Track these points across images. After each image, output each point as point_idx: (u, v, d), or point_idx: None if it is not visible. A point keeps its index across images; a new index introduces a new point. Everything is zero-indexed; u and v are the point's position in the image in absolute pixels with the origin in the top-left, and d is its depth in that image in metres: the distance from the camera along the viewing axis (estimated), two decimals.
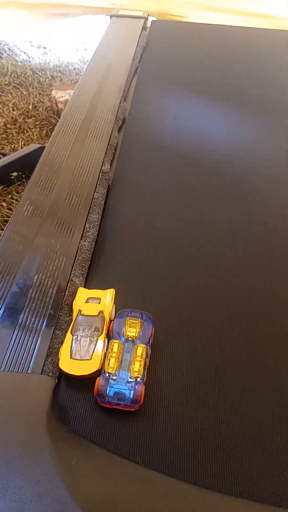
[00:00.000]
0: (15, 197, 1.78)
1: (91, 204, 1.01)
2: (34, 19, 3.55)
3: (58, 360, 0.68)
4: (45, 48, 3.45)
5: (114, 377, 0.65)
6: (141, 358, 0.68)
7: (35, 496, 0.50)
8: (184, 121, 1.45)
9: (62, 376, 0.68)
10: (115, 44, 1.97)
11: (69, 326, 0.73)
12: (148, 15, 2.33)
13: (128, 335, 0.71)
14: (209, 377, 0.71)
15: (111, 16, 2.31)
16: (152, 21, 2.35)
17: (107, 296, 0.78)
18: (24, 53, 3.32)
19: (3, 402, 0.61)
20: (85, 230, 0.94)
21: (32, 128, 2.30)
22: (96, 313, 0.74)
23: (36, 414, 0.59)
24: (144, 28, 2.18)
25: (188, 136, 1.37)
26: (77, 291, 0.79)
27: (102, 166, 1.14)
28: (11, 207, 1.73)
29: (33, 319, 0.75)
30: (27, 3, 3.39)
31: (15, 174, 1.82)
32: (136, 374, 0.65)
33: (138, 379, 0.65)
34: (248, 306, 0.83)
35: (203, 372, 0.71)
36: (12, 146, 2.15)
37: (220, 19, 3.22)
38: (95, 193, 1.04)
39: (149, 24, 2.29)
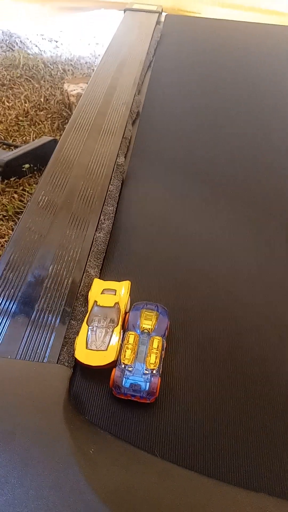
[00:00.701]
0: (26, 189, 1.78)
1: (106, 196, 1.01)
2: (47, 12, 3.55)
3: (73, 350, 0.68)
4: (57, 41, 3.45)
5: (130, 369, 0.65)
6: (157, 350, 0.67)
7: (53, 484, 0.50)
8: (197, 114, 1.44)
9: (78, 367, 0.68)
10: (129, 38, 1.96)
11: (85, 316, 0.73)
12: (162, 9, 2.32)
13: (143, 327, 0.71)
14: (226, 370, 0.70)
15: (125, 10, 2.31)
16: (166, 15, 2.34)
17: (123, 288, 0.77)
18: (36, 46, 3.31)
19: (20, 390, 0.61)
20: (100, 222, 0.93)
21: (43, 121, 2.30)
22: (112, 305, 0.74)
23: (53, 403, 0.59)
24: (158, 22, 2.17)
25: (202, 128, 1.36)
26: (92, 282, 0.79)
27: (116, 158, 1.13)
28: (22, 198, 1.73)
29: (48, 309, 0.75)
30: None
31: (27, 166, 1.82)
32: (152, 366, 0.65)
33: (154, 371, 0.65)
34: (264, 297, 0.83)
35: (220, 365, 0.71)
36: (24, 138, 2.15)
37: (232, 15, 3.20)
38: (110, 186, 1.04)
39: (163, 18, 2.28)
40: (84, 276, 0.81)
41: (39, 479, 0.50)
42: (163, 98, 1.52)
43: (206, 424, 0.63)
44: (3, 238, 1.56)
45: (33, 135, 2.17)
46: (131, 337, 0.69)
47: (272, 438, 0.62)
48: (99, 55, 3.20)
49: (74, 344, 0.69)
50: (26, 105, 2.42)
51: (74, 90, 2.33)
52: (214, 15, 3.19)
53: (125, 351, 0.67)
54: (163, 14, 2.36)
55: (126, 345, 0.68)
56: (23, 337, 0.70)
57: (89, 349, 0.68)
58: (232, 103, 1.53)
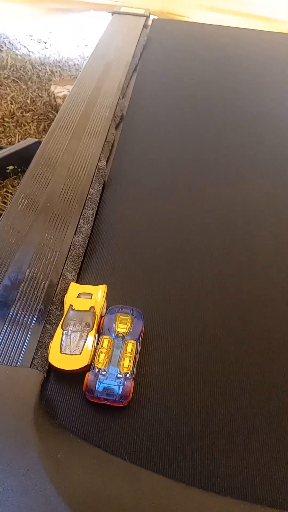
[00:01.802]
0: (10, 191, 1.77)
1: (86, 200, 1.01)
2: (35, 13, 3.54)
3: (47, 354, 0.68)
4: (45, 42, 3.44)
5: (104, 373, 0.65)
6: (131, 354, 0.68)
7: (19, 488, 0.50)
8: (181, 120, 1.45)
9: (52, 371, 0.68)
10: (116, 41, 1.97)
11: (60, 320, 0.73)
12: (149, 14, 2.33)
13: (118, 331, 0.71)
14: (199, 374, 0.71)
15: (112, 13, 2.31)
16: (154, 19, 2.35)
17: (99, 292, 0.78)
18: (24, 47, 3.30)
19: None
20: (79, 226, 0.94)
21: (29, 122, 2.29)
22: (87, 309, 0.74)
23: (24, 407, 0.59)
24: (145, 26, 2.18)
25: (185, 135, 1.37)
26: (69, 286, 0.79)
27: (98, 162, 1.14)
28: (6, 200, 1.73)
29: (23, 312, 0.75)
30: None
31: (10, 167, 1.81)
32: (125, 370, 0.65)
33: (128, 375, 0.65)
34: (240, 305, 0.84)
35: (192, 368, 0.71)
36: (9, 139, 2.14)
37: (221, 20, 3.22)
38: (90, 189, 1.04)
39: (150, 22, 2.29)
40: (60, 280, 0.81)
41: (6, 483, 0.50)
42: (147, 103, 1.53)
43: (176, 428, 0.63)
44: None
45: (18, 136, 2.16)
46: (105, 341, 0.69)
47: (242, 441, 0.63)
48: (87, 57, 3.20)
49: (48, 348, 0.69)
50: (12, 106, 2.41)
51: (61, 92, 2.33)
52: (202, 19, 3.21)
53: (99, 355, 0.67)
54: (151, 18, 2.37)
55: (100, 349, 0.68)
56: None
57: (63, 353, 0.68)
58: (217, 108, 1.54)
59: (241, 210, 1.08)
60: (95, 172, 1.10)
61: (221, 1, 3.42)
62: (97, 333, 0.72)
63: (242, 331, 0.79)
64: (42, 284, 0.80)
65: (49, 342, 0.70)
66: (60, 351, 0.68)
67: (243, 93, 1.67)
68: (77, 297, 0.76)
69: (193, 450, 0.61)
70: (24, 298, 0.77)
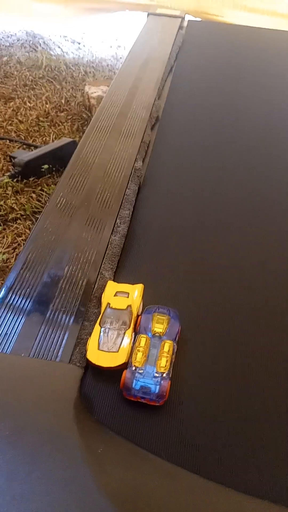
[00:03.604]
0: (44, 189, 1.80)
1: (122, 200, 1.02)
2: (70, 13, 3.59)
3: (85, 351, 0.70)
4: (79, 43, 3.48)
5: (141, 371, 0.66)
6: (167, 354, 0.68)
7: (61, 481, 0.51)
8: (216, 122, 1.44)
9: (89, 367, 0.69)
10: (151, 42, 1.98)
11: (98, 318, 0.74)
12: (185, 15, 2.33)
13: (155, 331, 0.72)
14: (235, 376, 0.71)
15: (148, 14, 2.32)
16: (189, 21, 2.35)
17: (136, 291, 0.79)
18: (59, 47, 3.35)
19: (32, 388, 0.63)
20: (115, 226, 0.95)
21: (63, 122, 2.33)
22: (125, 307, 0.75)
23: (64, 401, 0.60)
24: (180, 27, 2.18)
25: (220, 136, 1.36)
26: (106, 284, 0.81)
27: (134, 163, 1.15)
28: (40, 198, 1.76)
29: (62, 309, 0.76)
30: None
31: (46, 166, 1.84)
32: (162, 370, 0.66)
33: (164, 375, 0.66)
34: (275, 304, 0.83)
35: (229, 370, 0.72)
36: (44, 139, 2.18)
37: (256, 20, 3.20)
38: (127, 190, 1.05)
39: (185, 23, 2.29)
40: (98, 278, 0.82)
41: (47, 476, 0.52)
42: (183, 104, 1.53)
43: (214, 429, 0.63)
44: (20, 237, 1.58)
45: (52, 136, 2.20)
46: (142, 340, 0.70)
47: (284, 447, 0.63)
48: (120, 57, 3.23)
49: (86, 344, 0.71)
50: (47, 106, 2.45)
51: (95, 92, 2.35)
52: (237, 19, 3.20)
53: (136, 354, 0.68)
54: (186, 18, 2.37)
55: (137, 348, 0.69)
56: (37, 336, 0.71)
57: (101, 350, 0.69)
58: (253, 113, 1.52)
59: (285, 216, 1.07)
60: (131, 172, 1.11)
61: (256, 1, 3.38)
62: (133, 331, 0.73)
63: (279, 330, 0.78)
64: (81, 282, 0.81)
65: (87, 339, 0.71)
66: (98, 348, 0.69)
67: (279, 97, 1.65)
68: (114, 296, 0.77)
69: (229, 452, 0.61)
70: (63, 295, 0.78)
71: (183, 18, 2.28)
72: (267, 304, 0.84)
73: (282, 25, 3.18)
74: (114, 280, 0.84)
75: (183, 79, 1.71)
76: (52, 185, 1.82)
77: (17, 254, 1.50)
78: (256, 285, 0.88)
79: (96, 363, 0.68)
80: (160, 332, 0.72)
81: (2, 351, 0.69)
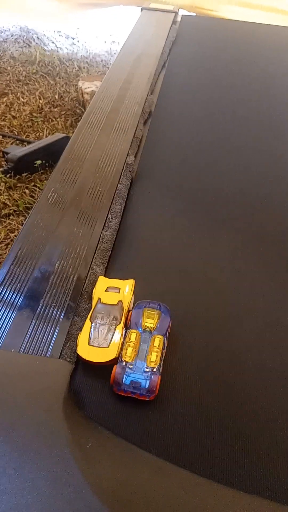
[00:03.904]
0: (37, 185, 1.80)
1: (114, 195, 1.01)
2: (65, 8, 3.56)
3: (76, 346, 0.69)
4: (73, 38, 3.46)
5: (131, 366, 0.66)
6: (158, 349, 0.68)
7: (50, 476, 0.51)
8: (209, 117, 1.44)
9: (80, 362, 0.69)
10: (145, 37, 1.97)
11: (88, 313, 0.74)
12: (178, 10, 2.32)
13: (145, 326, 0.72)
14: (226, 371, 0.71)
15: (141, 9, 2.31)
16: (182, 15, 2.34)
17: (127, 286, 0.78)
18: (53, 42, 3.33)
19: (22, 384, 0.62)
20: (107, 221, 0.94)
21: (57, 118, 2.32)
22: (115, 302, 0.75)
23: (53, 396, 0.60)
24: (174, 22, 2.17)
25: (213, 131, 1.36)
26: (97, 279, 0.80)
27: (126, 158, 1.14)
28: (33, 194, 1.75)
29: (53, 304, 0.76)
30: None
31: (39, 162, 1.83)
32: (152, 365, 0.66)
33: (155, 370, 0.66)
34: (268, 299, 0.83)
35: (219, 365, 0.71)
36: (37, 134, 2.17)
37: (252, 16, 3.18)
38: (119, 184, 1.05)
39: (179, 18, 2.28)
40: (89, 274, 0.82)
41: (36, 471, 0.51)
42: (176, 99, 1.52)
43: (203, 424, 0.63)
44: (13, 233, 1.58)
45: (46, 131, 2.19)
46: (132, 335, 0.70)
47: (270, 441, 0.63)
48: (114, 53, 3.21)
49: (76, 340, 0.70)
50: (40, 101, 2.44)
51: (89, 87, 2.34)
52: (232, 14, 3.18)
53: (127, 349, 0.68)
54: (180, 13, 2.36)
55: (127, 343, 0.69)
56: (27, 332, 0.71)
57: (91, 345, 0.69)
58: (247, 108, 1.52)
59: (279, 213, 1.06)
60: (123, 167, 1.10)
61: None
62: (124, 327, 0.73)
63: (275, 334, 0.78)
64: (71, 277, 0.81)
65: (78, 334, 0.71)
66: (89, 343, 0.69)
67: (273, 92, 1.64)
68: (105, 291, 0.77)
69: (219, 447, 0.61)
70: (54, 291, 0.78)
71: (176, 13, 2.27)
72: (259, 299, 0.84)
73: (277, 20, 3.17)
74: (105, 276, 0.83)
75: (176, 74, 1.70)
76: (45, 181, 1.81)
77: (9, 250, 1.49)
78: (248, 280, 0.88)
79: (86, 359, 0.67)
80: (151, 327, 0.72)
81: None
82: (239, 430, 0.63)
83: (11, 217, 1.64)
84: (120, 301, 0.75)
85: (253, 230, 1.00)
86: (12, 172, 1.81)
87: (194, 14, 3.14)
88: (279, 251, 0.95)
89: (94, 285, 0.80)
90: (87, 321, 0.72)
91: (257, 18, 3.13)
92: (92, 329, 0.71)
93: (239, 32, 2.21)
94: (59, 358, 0.67)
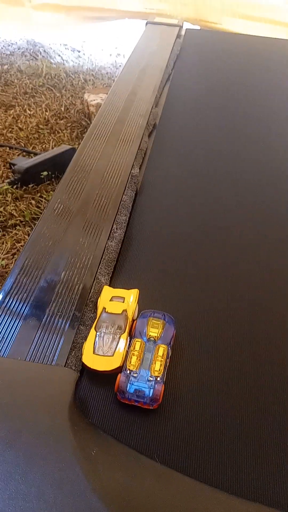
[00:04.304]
0: (44, 196, 1.82)
1: (119, 206, 1.03)
2: (71, 22, 3.63)
3: (81, 355, 0.71)
4: (79, 51, 3.52)
5: (135, 375, 0.67)
6: (162, 358, 0.69)
7: (55, 482, 0.52)
8: (213, 130, 1.46)
9: (85, 371, 0.70)
10: (149, 50, 2.00)
11: (93, 322, 0.75)
12: (183, 23, 2.36)
13: (150, 335, 0.73)
14: (229, 380, 0.72)
15: (146, 23, 2.35)
16: (187, 29, 2.37)
17: (131, 296, 0.80)
18: (59, 55, 3.39)
19: (28, 391, 0.64)
20: (112, 231, 0.96)
21: (63, 130, 2.36)
22: (120, 312, 0.76)
23: (59, 404, 0.61)
24: (178, 36, 2.21)
25: (217, 143, 1.38)
26: (102, 289, 0.82)
27: (131, 169, 1.16)
28: (40, 205, 1.78)
29: (59, 313, 0.77)
30: (65, 5, 3.46)
31: (45, 173, 1.86)
32: (156, 374, 0.67)
33: (158, 379, 0.67)
34: (271, 309, 0.84)
35: (223, 375, 0.72)
36: (43, 146, 2.20)
37: (255, 28, 3.23)
38: (124, 196, 1.07)
39: (183, 32, 2.32)
40: (94, 283, 0.83)
41: (42, 477, 0.52)
42: (180, 111, 1.55)
43: (207, 433, 0.64)
44: (19, 243, 1.60)
45: (52, 143, 2.22)
46: (137, 344, 0.71)
47: (275, 449, 0.63)
48: (120, 65, 3.26)
49: (82, 348, 0.72)
50: (46, 113, 2.48)
51: (94, 100, 2.38)
52: (235, 27, 3.22)
53: (131, 358, 0.69)
54: (184, 26, 2.40)
55: (132, 352, 0.70)
56: (33, 340, 0.73)
57: (96, 354, 0.70)
58: (251, 121, 1.54)
59: (282, 222, 1.08)
60: (128, 179, 1.12)
61: (254, 9, 3.42)
62: (129, 336, 0.74)
63: (279, 343, 0.79)
64: (77, 286, 0.82)
65: (83, 343, 0.72)
66: (93, 352, 0.70)
67: (277, 104, 1.67)
68: (110, 300, 0.78)
69: (222, 455, 0.62)
70: (60, 300, 0.79)
71: (181, 27, 2.31)
72: (263, 310, 0.85)
73: (280, 33, 3.21)
74: (110, 285, 0.85)
75: (181, 87, 1.73)
76: (51, 192, 1.84)
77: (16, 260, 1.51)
78: (252, 291, 0.89)
79: (91, 367, 0.69)
80: (155, 336, 0.73)
81: None
82: (244, 438, 0.64)
83: (18, 227, 1.66)
84: (125, 310, 0.76)
85: (258, 239, 1.01)
86: (19, 183, 1.84)
87: (198, 27, 3.19)
88: (283, 258, 0.96)
89: (99, 294, 0.81)
90: (92, 330, 0.73)
91: (260, 31, 3.18)
92: (97, 338, 0.72)
93: (242, 45, 2.24)
94: (65, 366, 0.68)
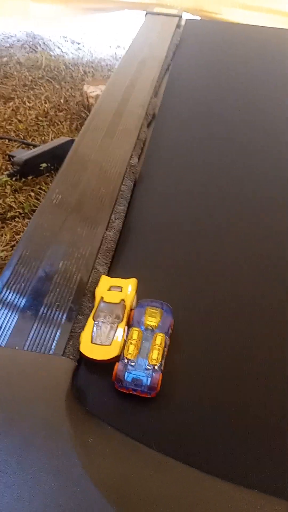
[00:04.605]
0: (43, 188, 1.81)
1: (117, 196, 1.03)
2: (70, 13, 3.60)
3: (79, 344, 0.70)
4: (78, 43, 3.50)
5: (133, 364, 0.67)
6: (159, 347, 0.69)
7: (51, 470, 0.52)
8: (212, 120, 1.45)
9: (82, 360, 0.70)
10: (149, 41, 1.99)
11: (91, 312, 0.75)
12: (182, 13, 2.34)
13: (148, 324, 0.73)
14: (227, 369, 0.71)
15: (146, 13, 2.33)
16: (186, 19, 2.35)
17: (129, 285, 0.79)
18: (58, 47, 3.37)
19: (26, 380, 0.64)
20: (110, 221, 0.96)
21: (62, 121, 2.34)
22: (118, 301, 0.76)
23: (56, 393, 0.61)
24: (178, 26, 2.19)
25: (216, 135, 1.37)
26: (100, 279, 0.81)
27: (130, 159, 1.15)
28: (39, 197, 1.77)
29: (56, 303, 0.77)
30: None
31: (44, 165, 1.86)
32: (154, 362, 0.67)
33: (156, 367, 0.66)
34: (269, 299, 0.84)
35: (220, 364, 0.72)
36: (43, 138, 2.19)
37: (254, 18, 3.20)
38: (122, 186, 1.06)
39: (183, 22, 2.30)
40: (92, 273, 0.83)
41: (38, 464, 0.52)
42: (179, 101, 1.54)
43: (204, 420, 0.64)
44: (18, 235, 1.59)
45: (51, 135, 2.21)
46: (135, 333, 0.71)
47: (273, 437, 0.63)
48: (119, 57, 3.24)
49: (79, 338, 0.71)
50: (46, 105, 2.47)
51: (94, 92, 2.36)
52: (234, 16, 3.20)
53: (129, 347, 0.69)
54: (184, 17, 2.38)
55: (129, 341, 0.70)
56: (31, 330, 0.72)
57: (94, 343, 0.70)
58: (250, 111, 1.53)
59: (283, 214, 1.07)
60: (126, 169, 1.12)
61: None
62: (126, 325, 0.74)
63: (276, 329, 0.79)
64: (75, 276, 0.82)
65: (81, 332, 0.72)
66: (91, 341, 0.70)
67: (277, 94, 1.65)
68: (108, 290, 0.78)
69: (219, 443, 0.62)
70: (58, 290, 0.79)
71: (180, 17, 2.28)
72: (261, 299, 0.84)
73: (280, 23, 3.18)
74: (108, 275, 0.85)
75: (180, 77, 1.71)
76: (50, 184, 1.83)
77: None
78: (250, 280, 0.88)
79: (89, 356, 0.68)
80: (153, 325, 0.73)
81: None
82: (241, 425, 0.64)
83: (17, 219, 1.66)
84: (123, 299, 0.76)
85: (257, 231, 1.01)
86: (18, 175, 1.83)
87: (198, 17, 3.16)
88: (283, 252, 0.96)
89: (97, 284, 0.81)
90: (90, 320, 0.73)
91: (260, 20, 3.15)
92: (94, 328, 0.72)
93: (242, 35, 2.22)
94: (62, 355, 0.68)
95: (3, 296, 0.78)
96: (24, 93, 2.59)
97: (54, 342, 0.70)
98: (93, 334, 0.71)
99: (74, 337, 0.72)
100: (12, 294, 0.78)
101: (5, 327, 0.73)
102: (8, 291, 0.79)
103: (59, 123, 2.33)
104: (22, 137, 2.19)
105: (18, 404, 0.60)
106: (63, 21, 3.72)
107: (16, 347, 0.69)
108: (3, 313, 0.75)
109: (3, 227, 1.62)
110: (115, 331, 0.71)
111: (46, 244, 0.89)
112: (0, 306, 0.76)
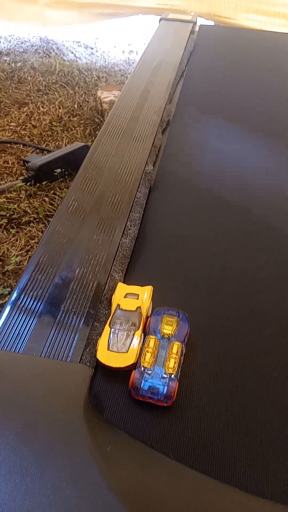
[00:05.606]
0: (57, 193, 1.83)
1: (133, 203, 1.03)
2: (84, 19, 3.62)
3: (95, 351, 0.71)
4: (92, 48, 3.53)
5: (149, 372, 0.67)
6: (176, 355, 0.69)
7: (71, 478, 0.52)
8: (227, 126, 1.45)
9: (99, 367, 0.70)
10: (163, 47, 2.00)
11: (108, 319, 0.76)
12: (196, 19, 2.34)
13: (164, 332, 0.73)
14: (243, 378, 0.71)
15: (160, 19, 2.34)
16: (200, 25, 2.36)
17: (145, 293, 0.80)
18: (72, 52, 3.40)
19: (43, 387, 0.64)
20: (126, 228, 0.96)
21: (76, 127, 2.36)
22: (134, 309, 0.76)
23: (74, 400, 0.62)
24: (192, 32, 2.20)
25: (231, 140, 1.37)
26: (116, 286, 0.82)
27: (145, 166, 1.16)
28: (53, 202, 1.79)
29: (73, 310, 0.78)
30: (79, 2, 3.45)
31: (58, 170, 1.87)
32: (170, 371, 0.67)
33: (172, 376, 0.67)
34: (284, 310, 0.83)
35: (236, 373, 0.72)
36: (57, 143, 2.21)
37: (269, 23, 3.19)
38: (138, 193, 1.07)
39: (197, 28, 2.31)
40: (108, 280, 0.84)
41: (57, 472, 0.53)
42: (194, 108, 1.54)
43: (220, 429, 0.64)
44: (33, 239, 1.61)
45: (65, 140, 2.23)
46: (151, 341, 0.71)
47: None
48: (133, 62, 3.25)
49: (96, 345, 0.72)
50: (60, 111, 2.49)
51: (107, 97, 2.38)
52: (248, 21, 3.19)
53: (145, 355, 0.69)
54: (198, 22, 2.38)
55: (146, 349, 0.70)
56: (49, 337, 0.73)
57: (111, 350, 0.70)
58: (266, 119, 1.53)
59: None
60: (142, 176, 1.12)
61: (268, 4, 3.37)
62: (143, 333, 0.74)
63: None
64: (91, 283, 0.83)
65: (97, 339, 0.73)
66: (108, 349, 0.70)
67: None
68: (124, 297, 0.79)
69: (236, 453, 0.62)
70: (74, 297, 0.80)
71: (194, 23, 2.29)
72: (277, 308, 0.84)
73: None
74: (124, 282, 0.85)
75: (194, 83, 1.72)
76: (64, 189, 1.85)
77: (30, 257, 1.52)
78: (266, 288, 0.88)
79: (105, 363, 0.69)
80: (169, 333, 0.73)
81: (14, 351, 0.70)
82: (258, 435, 0.64)
83: (31, 224, 1.67)
84: (139, 307, 0.76)
85: (273, 241, 1.00)
86: (32, 181, 1.85)
87: (212, 22, 3.17)
88: None
89: (113, 291, 0.81)
90: (106, 327, 0.74)
91: (276, 26, 3.14)
92: (111, 335, 0.72)
93: (256, 41, 2.22)
94: (79, 362, 0.69)
95: (21, 303, 0.79)
96: (38, 98, 2.62)
97: (71, 349, 0.71)
98: (109, 341, 0.71)
99: (90, 344, 0.72)
100: (30, 301, 0.79)
101: (22, 334, 0.73)
102: (25, 298, 0.80)
103: (73, 128, 2.35)
104: (36, 142, 2.21)
105: (36, 412, 0.60)
106: (77, 27, 3.75)
107: (34, 354, 0.70)
108: (20, 320, 0.76)
109: (17, 232, 1.63)
110: (132, 339, 0.72)
111: (63, 251, 0.89)
112: (17, 313, 0.77)
